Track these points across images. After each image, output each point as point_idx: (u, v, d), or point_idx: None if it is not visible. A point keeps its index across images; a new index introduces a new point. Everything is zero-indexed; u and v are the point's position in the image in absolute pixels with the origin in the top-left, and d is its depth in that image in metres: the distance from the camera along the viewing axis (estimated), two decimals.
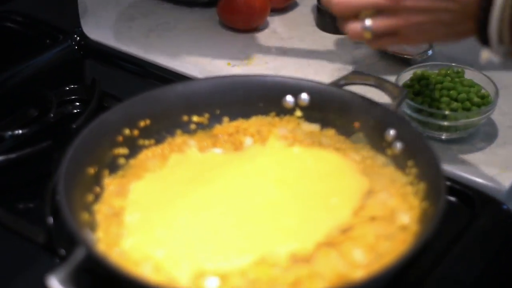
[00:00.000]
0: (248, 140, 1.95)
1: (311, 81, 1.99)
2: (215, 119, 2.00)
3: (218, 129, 1.99)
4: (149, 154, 1.90)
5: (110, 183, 1.78)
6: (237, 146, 1.94)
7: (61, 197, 1.53)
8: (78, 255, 1.42)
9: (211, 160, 1.88)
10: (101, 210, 1.70)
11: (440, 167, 1.64)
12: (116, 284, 1.47)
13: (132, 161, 1.86)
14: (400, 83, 2.13)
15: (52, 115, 2.09)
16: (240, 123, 2.00)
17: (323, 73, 2.41)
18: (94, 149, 1.76)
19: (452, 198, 1.90)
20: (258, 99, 2.00)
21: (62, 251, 1.70)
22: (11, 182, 1.98)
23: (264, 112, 2.01)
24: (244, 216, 1.66)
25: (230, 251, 1.56)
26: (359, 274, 1.51)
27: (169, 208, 1.68)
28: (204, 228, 1.63)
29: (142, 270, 1.52)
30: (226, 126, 1.99)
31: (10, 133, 2.01)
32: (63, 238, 1.71)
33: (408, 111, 2.08)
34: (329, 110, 1.95)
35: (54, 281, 1.35)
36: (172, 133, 1.95)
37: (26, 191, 1.96)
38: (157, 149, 1.91)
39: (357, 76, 1.97)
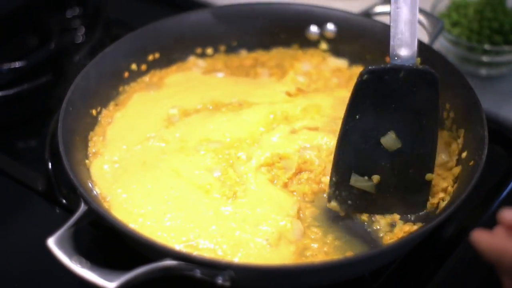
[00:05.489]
0: (264, 72, 1.82)
1: (339, 10, 1.83)
2: (232, 51, 1.86)
3: (234, 60, 1.85)
4: (147, 79, 1.77)
5: (105, 115, 1.65)
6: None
7: (62, 150, 1.40)
8: (78, 214, 1.30)
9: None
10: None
11: (481, 113, 1.49)
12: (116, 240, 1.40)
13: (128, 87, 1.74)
14: (436, 12, 1.94)
15: (53, 45, 1.92)
16: (260, 55, 1.86)
17: (352, 1, 2.19)
18: (97, 88, 1.62)
19: (491, 142, 1.73)
20: (279, 30, 1.85)
21: (63, 201, 1.58)
22: (7, 120, 1.85)
23: (286, 44, 1.86)
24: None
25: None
26: None
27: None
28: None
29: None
30: (244, 58, 1.86)
31: (7, 66, 1.85)
32: (63, 185, 1.59)
33: (445, 44, 1.89)
34: (358, 43, 1.79)
35: (53, 245, 1.22)
36: (183, 60, 1.83)
37: (24, 130, 1.83)
38: (161, 73, 1.80)
39: (388, 5, 1.77)
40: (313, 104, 1.65)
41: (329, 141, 1.55)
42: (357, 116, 1.43)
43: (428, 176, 1.45)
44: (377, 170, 1.46)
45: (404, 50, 1.41)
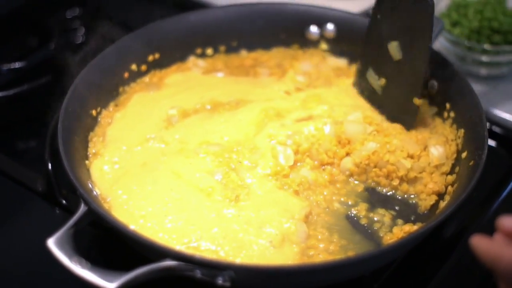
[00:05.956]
0: (264, 72, 1.82)
1: (338, 10, 1.83)
2: (232, 51, 1.86)
3: (234, 60, 1.85)
4: (147, 80, 1.77)
5: (104, 115, 1.65)
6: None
7: (62, 151, 1.40)
8: (78, 214, 1.30)
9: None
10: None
11: (481, 113, 1.49)
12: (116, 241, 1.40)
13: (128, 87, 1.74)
14: (436, 12, 1.91)
15: (53, 45, 1.92)
16: (260, 54, 1.86)
17: (352, 1, 2.19)
18: (97, 89, 1.62)
19: (491, 142, 1.74)
20: (279, 30, 1.85)
21: (63, 201, 1.57)
22: (7, 121, 1.84)
23: (286, 43, 1.86)
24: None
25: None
26: None
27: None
28: None
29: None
30: (244, 58, 1.86)
31: (6, 66, 1.85)
32: (63, 185, 1.58)
33: (445, 44, 1.89)
34: (358, 43, 1.77)
35: (52, 245, 1.22)
36: (183, 60, 1.83)
37: (24, 130, 1.83)
38: (161, 73, 1.79)
39: None
40: (312, 95, 1.67)
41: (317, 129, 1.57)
42: (378, 16, 1.63)
43: (415, 100, 1.58)
44: (385, 73, 1.64)
45: None
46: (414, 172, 1.51)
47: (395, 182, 1.52)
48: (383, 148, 1.52)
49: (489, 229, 1.49)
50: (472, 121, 1.50)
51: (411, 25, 1.56)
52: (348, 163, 1.53)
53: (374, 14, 1.64)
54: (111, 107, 1.66)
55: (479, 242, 1.11)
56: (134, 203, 1.42)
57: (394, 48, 1.60)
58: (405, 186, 1.51)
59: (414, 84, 1.58)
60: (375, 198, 1.52)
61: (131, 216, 1.40)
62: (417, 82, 1.57)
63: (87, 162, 1.51)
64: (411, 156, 1.53)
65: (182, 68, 1.80)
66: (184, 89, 1.72)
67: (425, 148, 1.56)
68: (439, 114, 1.63)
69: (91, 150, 1.55)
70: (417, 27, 1.55)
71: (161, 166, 1.50)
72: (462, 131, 1.53)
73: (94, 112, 1.59)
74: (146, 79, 1.75)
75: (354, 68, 1.78)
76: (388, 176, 1.52)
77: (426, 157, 1.54)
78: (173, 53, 1.79)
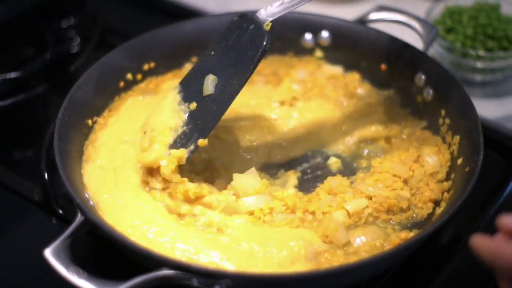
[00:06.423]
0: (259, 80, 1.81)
1: (333, 17, 1.82)
2: None
3: None
4: (143, 86, 1.76)
5: (99, 123, 1.63)
6: None
7: (58, 161, 1.40)
8: (75, 224, 1.30)
9: None
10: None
11: (476, 120, 1.49)
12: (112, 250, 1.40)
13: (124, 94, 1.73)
14: (431, 19, 1.94)
15: (48, 55, 1.92)
16: None
17: (346, 8, 2.20)
18: (93, 98, 1.62)
19: (486, 148, 1.73)
20: (274, 38, 1.75)
21: (59, 211, 1.58)
22: (3, 131, 1.85)
23: (281, 51, 1.85)
24: None
25: None
26: None
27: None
28: None
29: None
30: None
31: (2, 76, 1.86)
32: (60, 195, 1.59)
33: (439, 51, 1.90)
34: (353, 51, 1.79)
35: (49, 255, 1.22)
36: (180, 68, 1.82)
37: (20, 140, 1.82)
38: (157, 80, 1.78)
39: (383, 12, 1.79)
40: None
41: None
42: (212, 53, 1.55)
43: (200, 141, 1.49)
44: (193, 101, 1.53)
45: (268, 10, 1.51)
46: (412, 196, 1.50)
47: (397, 213, 1.48)
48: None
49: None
50: (467, 127, 1.50)
51: (236, 63, 1.50)
52: (340, 216, 1.47)
53: (210, 49, 1.56)
54: (105, 113, 1.65)
55: (478, 241, 1.10)
56: (120, 211, 1.42)
57: (209, 82, 1.51)
58: (410, 213, 1.48)
59: (205, 124, 1.50)
60: None
61: (119, 224, 1.39)
62: (206, 124, 1.50)
63: (82, 171, 1.51)
64: (405, 181, 1.52)
65: (178, 75, 1.79)
66: None
67: (416, 159, 1.56)
68: (430, 126, 1.64)
69: (86, 158, 1.54)
70: (240, 64, 1.49)
71: (125, 172, 1.50)
72: (457, 137, 1.53)
73: (90, 122, 1.60)
74: (142, 85, 1.75)
75: (349, 76, 1.79)
76: (388, 211, 1.48)
77: (419, 169, 1.53)
78: (169, 62, 1.79)
